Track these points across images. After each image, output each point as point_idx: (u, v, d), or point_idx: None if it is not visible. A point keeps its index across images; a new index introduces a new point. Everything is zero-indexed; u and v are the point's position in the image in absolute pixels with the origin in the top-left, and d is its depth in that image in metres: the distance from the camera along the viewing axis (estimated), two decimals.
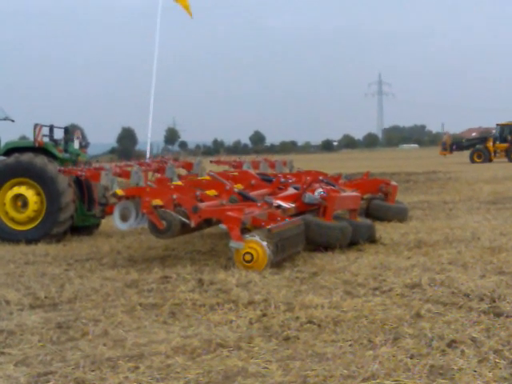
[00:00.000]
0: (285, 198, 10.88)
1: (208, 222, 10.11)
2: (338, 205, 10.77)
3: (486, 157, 57.02)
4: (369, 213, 13.80)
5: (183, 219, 9.37)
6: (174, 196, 9.53)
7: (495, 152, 57.76)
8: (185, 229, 9.63)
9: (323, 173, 14.18)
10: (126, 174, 10.49)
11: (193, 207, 9.32)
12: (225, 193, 10.32)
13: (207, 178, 11.24)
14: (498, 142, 57.88)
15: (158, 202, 9.48)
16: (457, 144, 64.38)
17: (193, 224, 9.35)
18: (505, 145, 57.37)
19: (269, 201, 10.11)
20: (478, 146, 59.31)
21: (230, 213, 9.16)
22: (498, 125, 59.39)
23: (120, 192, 9.89)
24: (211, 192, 10.35)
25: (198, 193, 9.91)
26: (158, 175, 11.56)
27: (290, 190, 11.57)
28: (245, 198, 10.31)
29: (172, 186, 10.12)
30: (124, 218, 9.96)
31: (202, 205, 9.47)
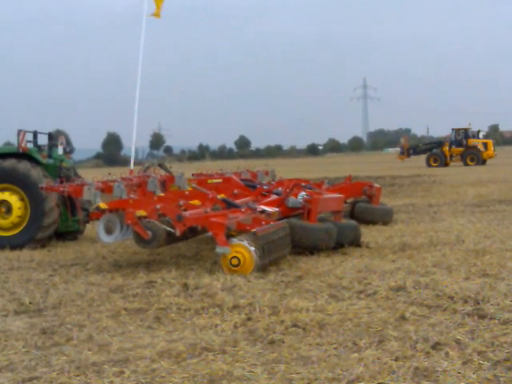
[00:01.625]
0: (268, 204, 10.90)
1: (193, 232, 10.13)
2: (321, 207, 10.80)
3: (442, 161, 58.16)
4: (354, 216, 13.81)
5: (168, 228, 9.39)
6: (158, 206, 9.56)
7: (451, 156, 58.86)
8: (170, 238, 9.66)
9: (305, 180, 14.20)
10: (108, 189, 10.47)
11: (177, 216, 9.34)
12: (208, 201, 10.34)
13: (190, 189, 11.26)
14: (453, 147, 58.93)
15: (141, 212, 9.50)
16: (414, 148, 65.26)
17: (178, 233, 9.37)
18: (460, 149, 58.45)
19: (252, 206, 10.13)
20: (434, 151, 60.38)
21: (214, 219, 9.20)
22: (453, 129, 60.27)
23: (103, 205, 9.87)
24: (195, 202, 10.36)
25: (182, 202, 9.93)
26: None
27: (273, 196, 11.60)
28: (228, 205, 10.33)
29: (155, 197, 10.14)
30: (109, 231, 9.92)
31: (186, 213, 9.49)
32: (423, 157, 61.23)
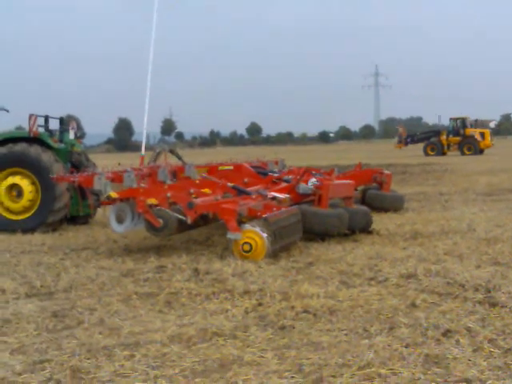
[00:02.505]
0: (279, 191, 10.90)
1: (205, 220, 10.15)
2: (332, 192, 10.79)
3: (439, 150, 58.43)
4: (365, 203, 13.76)
5: (179, 216, 9.41)
6: (169, 194, 9.57)
7: (448, 145, 59.13)
8: (182, 226, 9.68)
9: (316, 169, 14.18)
10: (118, 178, 10.47)
11: (188, 203, 9.35)
12: (218, 188, 10.35)
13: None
14: (451, 136, 59.18)
15: (152, 200, 9.52)
16: (411, 137, 65.49)
17: (189, 220, 9.38)
18: (457, 138, 58.66)
19: (263, 193, 10.15)
20: (432, 140, 60.67)
21: (225, 205, 9.21)
22: (451, 119, 60.70)
23: (114, 195, 9.87)
24: (205, 191, 10.38)
25: (192, 190, 9.93)
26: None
27: (284, 184, 11.61)
28: (239, 192, 10.34)
29: (166, 186, 10.15)
30: (120, 220, 9.93)
31: (197, 200, 9.50)
32: (421, 145, 61.41)
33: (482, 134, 58.25)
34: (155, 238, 10.78)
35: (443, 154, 57.67)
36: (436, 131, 63.32)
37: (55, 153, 13.46)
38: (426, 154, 57.25)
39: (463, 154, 56.36)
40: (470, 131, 58.48)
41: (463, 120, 59.58)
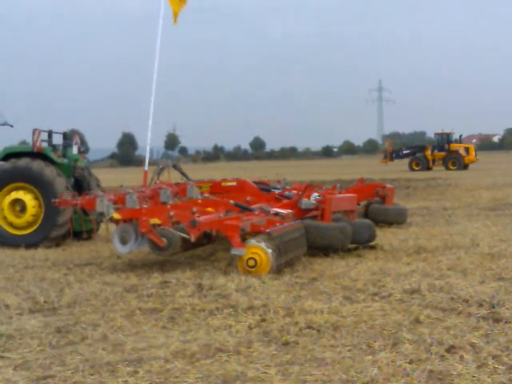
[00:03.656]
0: (282, 206, 10.93)
1: (208, 239, 10.17)
2: (334, 206, 10.80)
3: (424, 165, 58.82)
4: (368, 217, 13.77)
5: (183, 235, 9.42)
6: (171, 213, 9.59)
7: (433, 160, 59.48)
8: (186, 245, 9.70)
9: (318, 185, 14.24)
10: (120, 200, 10.50)
11: (191, 221, 9.37)
12: (221, 206, 10.38)
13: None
14: (436, 151, 59.67)
15: (155, 220, 9.54)
16: (396, 152, 65.80)
17: (193, 238, 9.39)
18: (442, 153, 59.13)
19: (265, 209, 10.18)
20: (417, 155, 61.10)
21: (228, 221, 9.24)
22: (436, 134, 61.27)
23: (117, 216, 9.89)
24: (208, 210, 10.40)
25: (195, 209, 9.94)
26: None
27: (285, 200, 11.67)
28: (242, 209, 10.37)
29: (168, 206, 10.19)
30: (124, 241, 9.93)
31: (200, 218, 9.51)
32: (406, 160, 61.71)
33: (467, 150, 59.06)
34: None
35: (428, 168, 58.11)
36: (421, 146, 63.97)
37: (58, 167, 13.49)
38: (411, 169, 57.71)
39: (448, 169, 56.91)
40: (454, 146, 59.12)
41: (448, 135, 60.24)
